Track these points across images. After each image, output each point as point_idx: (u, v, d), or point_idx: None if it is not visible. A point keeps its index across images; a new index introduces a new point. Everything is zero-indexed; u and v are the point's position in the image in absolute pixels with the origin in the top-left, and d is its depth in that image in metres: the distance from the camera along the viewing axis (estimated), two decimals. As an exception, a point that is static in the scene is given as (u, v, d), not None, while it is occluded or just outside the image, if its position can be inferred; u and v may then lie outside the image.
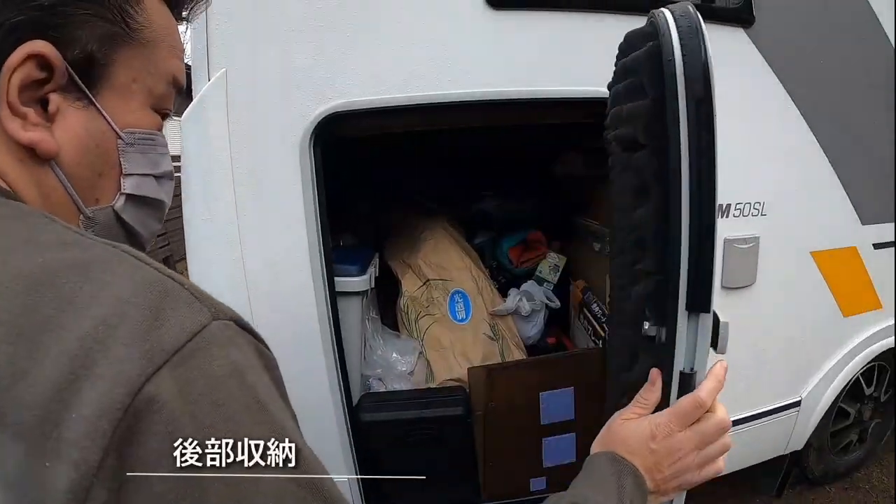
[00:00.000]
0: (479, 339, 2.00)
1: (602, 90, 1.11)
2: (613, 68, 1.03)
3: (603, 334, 1.97)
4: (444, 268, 2.17)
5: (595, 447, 0.74)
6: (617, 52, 1.01)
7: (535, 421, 1.92)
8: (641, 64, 0.86)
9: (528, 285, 2.18)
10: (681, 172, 0.76)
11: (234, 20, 1.44)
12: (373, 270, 1.89)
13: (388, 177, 2.44)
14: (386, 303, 2.28)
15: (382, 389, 1.90)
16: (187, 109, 1.46)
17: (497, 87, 1.55)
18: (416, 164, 2.44)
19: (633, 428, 0.70)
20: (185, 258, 1.61)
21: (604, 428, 0.75)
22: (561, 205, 2.49)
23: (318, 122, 1.47)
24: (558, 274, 2.32)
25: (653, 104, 0.83)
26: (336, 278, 1.65)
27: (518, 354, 2.01)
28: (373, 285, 1.90)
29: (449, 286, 2.13)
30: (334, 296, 1.63)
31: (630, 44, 0.95)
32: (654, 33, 0.82)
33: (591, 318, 2.10)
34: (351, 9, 1.48)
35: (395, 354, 1.95)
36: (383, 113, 1.50)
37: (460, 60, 1.52)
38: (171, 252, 5.62)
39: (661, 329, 0.82)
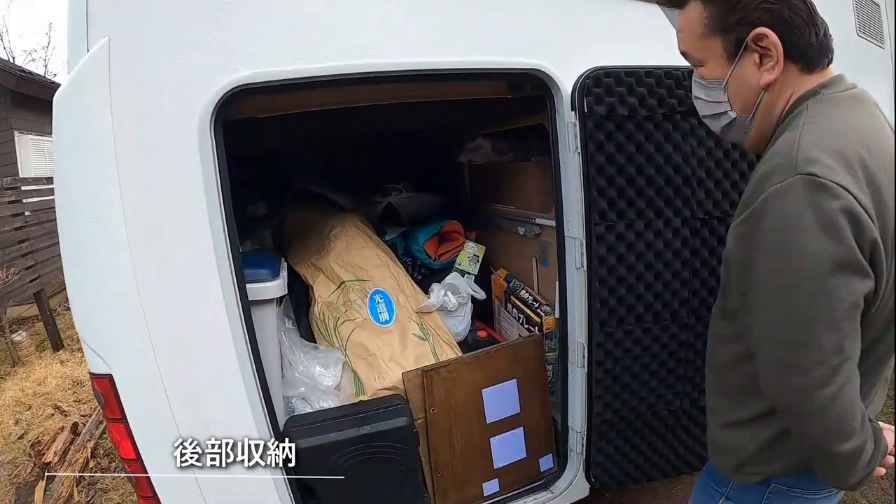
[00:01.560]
0: (408, 341, 1.83)
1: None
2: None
3: (539, 319, 1.91)
4: (359, 267, 1.96)
5: None
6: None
7: (480, 421, 1.79)
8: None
9: (452, 278, 2.05)
10: None
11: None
12: (284, 274, 1.64)
13: (285, 173, 2.17)
14: (296, 313, 2.01)
15: (308, 410, 1.65)
16: (59, 90, 1.14)
17: (418, 58, 1.41)
18: (317, 158, 2.21)
19: None
20: (63, 290, 1.25)
21: None
22: (472, 193, 2.41)
23: (222, 98, 1.22)
24: (478, 264, 2.23)
25: None
26: (249, 285, 1.39)
27: (451, 353, 1.87)
28: (286, 290, 1.64)
29: (367, 286, 1.93)
30: (248, 307, 1.37)
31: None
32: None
33: (520, 304, 2.02)
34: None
35: (318, 368, 1.71)
36: (300, 87, 1.28)
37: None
38: (43, 286, 4.55)
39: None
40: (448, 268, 2.22)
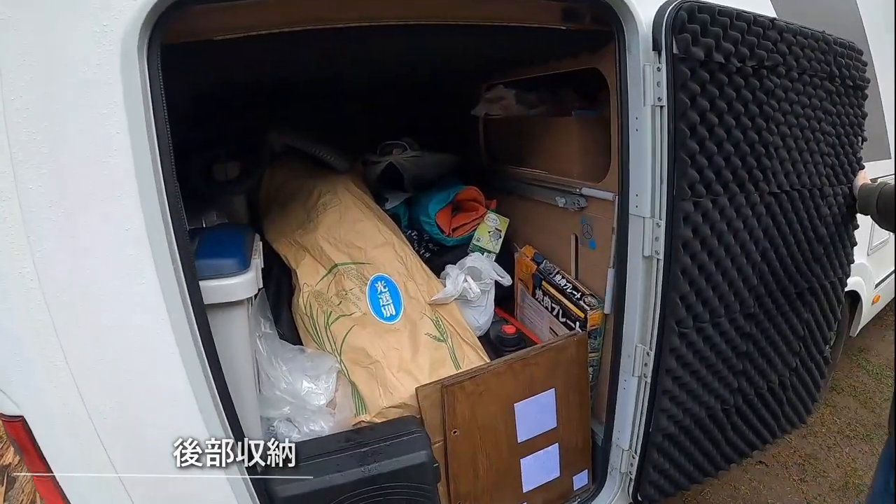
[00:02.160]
0: (420, 342, 1.44)
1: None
2: None
3: (581, 313, 1.53)
4: (356, 246, 1.54)
5: None
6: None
7: (510, 441, 1.43)
8: None
9: (474, 259, 1.64)
10: None
11: None
12: (258, 262, 1.21)
13: (261, 124, 1.70)
14: (276, 305, 1.60)
15: (295, 436, 1.27)
16: None
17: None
18: (303, 105, 1.75)
19: None
20: None
21: None
22: (489, 154, 1.98)
23: (155, 10, 0.78)
24: (500, 240, 1.82)
25: None
26: (204, 283, 0.97)
27: (474, 356, 1.49)
28: (261, 284, 1.22)
29: (366, 271, 1.52)
30: (203, 313, 0.96)
31: None
32: None
33: (555, 292, 1.64)
34: None
35: (306, 383, 1.31)
36: None
37: None
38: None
39: None
40: (463, 245, 1.81)
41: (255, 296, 1.22)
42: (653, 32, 1.17)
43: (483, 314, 1.65)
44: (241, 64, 1.30)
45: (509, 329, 1.63)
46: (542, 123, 1.79)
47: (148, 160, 0.85)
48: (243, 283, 1.10)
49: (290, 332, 1.54)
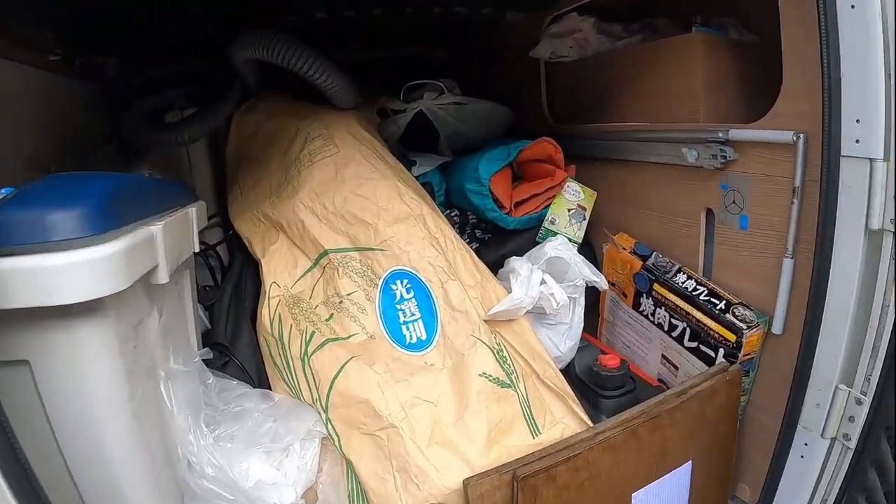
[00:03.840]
0: (471, 390, 0.79)
1: None
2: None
3: (733, 336, 0.87)
4: (361, 221, 0.92)
5: None
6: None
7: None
8: None
9: (557, 246, 1.00)
10: None
11: None
12: (157, 236, 0.60)
13: (230, 50, 1.08)
14: (233, 318, 0.99)
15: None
16: None
17: None
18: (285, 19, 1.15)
19: None
20: None
21: None
22: (554, 111, 1.35)
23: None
24: (585, 223, 1.18)
25: None
26: None
27: (564, 412, 0.84)
28: (166, 272, 0.61)
29: (377, 263, 0.89)
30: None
31: None
32: None
33: (676, 299, 0.99)
34: None
35: (256, 465, 0.69)
36: None
37: None
38: None
39: None
40: (529, 230, 1.18)
41: (157, 312, 0.61)
42: None
43: (568, 336, 1.00)
44: None
45: (610, 361, 0.97)
46: (640, 55, 1.17)
47: None
48: (94, 265, 0.49)
49: (255, 365, 0.93)
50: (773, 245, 0.90)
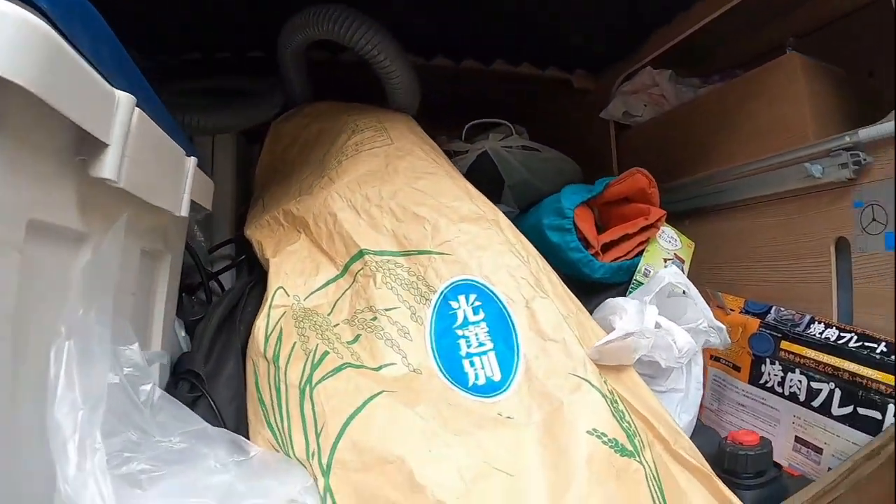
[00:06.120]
0: (573, 459, 0.48)
1: None
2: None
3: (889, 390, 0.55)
4: (415, 216, 0.67)
5: None
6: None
7: None
8: None
9: (674, 275, 0.72)
10: None
11: None
12: (125, 101, 0.37)
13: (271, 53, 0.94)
14: (220, 345, 0.71)
15: None
16: None
17: None
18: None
19: None
20: None
21: None
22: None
23: None
24: (686, 270, 0.91)
25: None
26: None
27: (705, 497, 0.50)
28: (120, 156, 0.37)
29: (432, 271, 0.63)
30: None
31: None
32: None
33: (817, 355, 0.68)
34: None
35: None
36: None
37: None
38: None
39: None
40: (620, 285, 0.90)
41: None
42: None
43: (683, 408, 0.70)
44: None
45: (746, 437, 0.63)
46: (732, 92, 1.00)
47: None
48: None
49: (235, 411, 0.64)
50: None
